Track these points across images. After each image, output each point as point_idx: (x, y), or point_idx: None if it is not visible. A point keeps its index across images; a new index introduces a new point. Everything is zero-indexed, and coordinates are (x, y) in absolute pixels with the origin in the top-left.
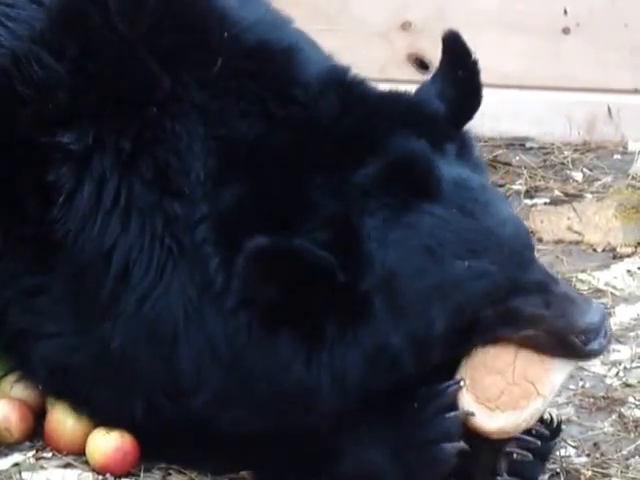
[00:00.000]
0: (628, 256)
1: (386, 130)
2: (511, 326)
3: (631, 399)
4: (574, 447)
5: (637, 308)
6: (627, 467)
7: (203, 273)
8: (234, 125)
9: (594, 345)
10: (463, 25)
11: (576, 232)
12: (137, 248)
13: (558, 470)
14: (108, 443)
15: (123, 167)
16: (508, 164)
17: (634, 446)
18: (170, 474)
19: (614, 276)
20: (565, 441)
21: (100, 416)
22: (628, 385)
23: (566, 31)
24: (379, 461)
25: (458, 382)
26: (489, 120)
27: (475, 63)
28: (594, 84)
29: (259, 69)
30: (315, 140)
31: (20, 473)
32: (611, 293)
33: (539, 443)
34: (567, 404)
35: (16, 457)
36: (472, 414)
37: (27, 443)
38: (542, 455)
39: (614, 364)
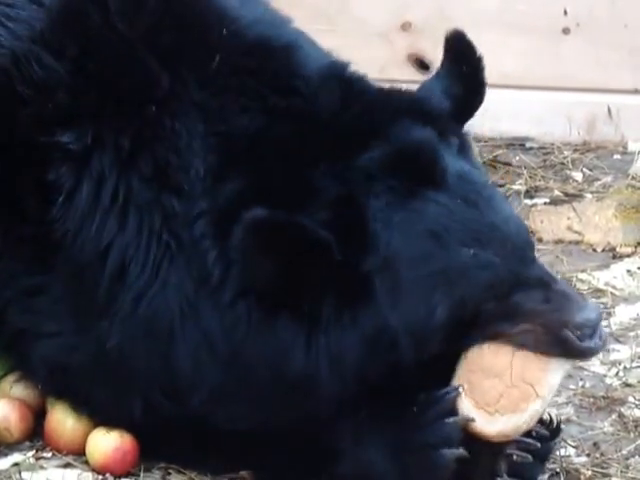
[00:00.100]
0: (628, 256)
1: (390, 119)
2: (510, 321)
3: (631, 399)
4: (574, 447)
5: (637, 308)
6: (627, 467)
7: (200, 268)
8: (234, 121)
9: (589, 343)
10: (463, 25)
11: (576, 232)
12: (134, 246)
13: (558, 470)
14: (108, 443)
15: (122, 165)
16: (508, 164)
17: (634, 446)
18: (170, 474)
19: (614, 276)
20: (565, 441)
21: (99, 416)
22: (628, 385)
23: (566, 31)
24: (379, 464)
25: (457, 388)
26: (489, 120)
27: (480, 59)
28: (594, 84)
29: (259, 65)
30: (317, 130)
31: (20, 473)
32: (611, 293)
33: (539, 445)
34: (567, 404)
35: (16, 457)
36: (472, 419)
37: (27, 443)
38: (542, 456)
39: (614, 364)
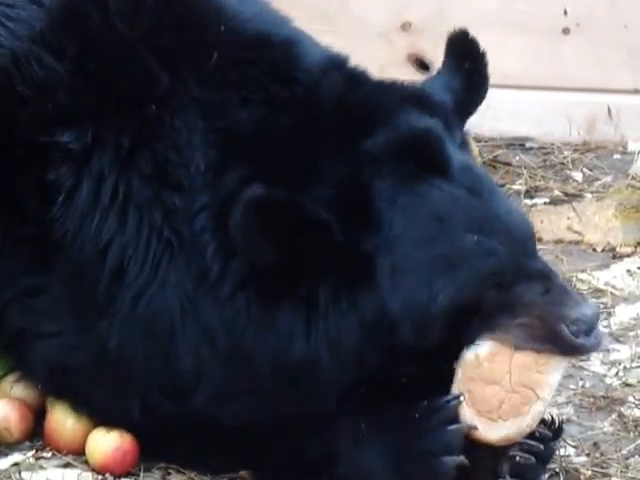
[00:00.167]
0: (628, 256)
1: (395, 107)
2: (509, 313)
3: (631, 399)
4: (574, 447)
5: (637, 308)
6: (627, 467)
7: (200, 264)
8: (235, 114)
9: (583, 340)
10: (463, 25)
11: (576, 232)
12: (133, 245)
13: (557, 470)
14: (108, 443)
15: (122, 164)
16: (508, 164)
17: (634, 446)
18: (170, 474)
19: (614, 276)
20: (565, 441)
21: (99, 416)
22: (628, 385)
23: (566, 31)
24: (378, 467)
25: (458, 397)
26: (489, 120)
27: (483, 55)
28: (594, 84)
29: (258, 58)
30: (319, 118)
31: (20, 473)
32: (611, 293)
33: (542, 447)
34: (567, 404)
35: (16, 457)
36: (474, 427)
37: (27, 443)
38: (544, 457)
39: (614, 364)
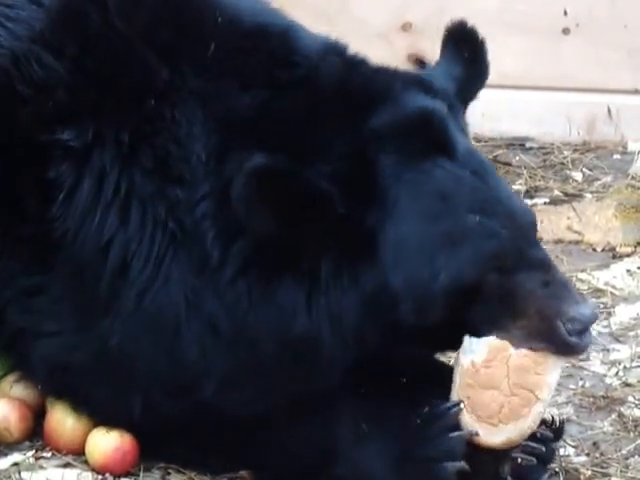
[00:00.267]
0: (628, 256)
1: (399, 89)
2: (509, 304)
3: (631, 398)
4: (573, 446)
5: (637, 308)
6: (626, 466)
7: (201, 252)
8: (235, 101)
9: (578, 339)
10: None
11: (576, 232)
12: (136, 240)
13: (557, 469)
14: (107, 443)
15: (123, 160)
16: (508, 164)
17: (633, 445)
18: (169, 473)
19: (614, 276)
20: (565, 440)
21: (99, 415)
22: (628, 384)
23: (566, 31)
24: (378, 470)
25: (458, 404)
26: (489, 120)
27: (482, 42)
28: (594, 84)
29: (256, 47)
30: (321, 97)
31: (19, 473)
32: (611, 293)
33: (544, 449)
34: (567, 403)
35: (15, 457)
36: (476, 434)
37: (27, 443)
38: (546, 458)
39: (614, 364)
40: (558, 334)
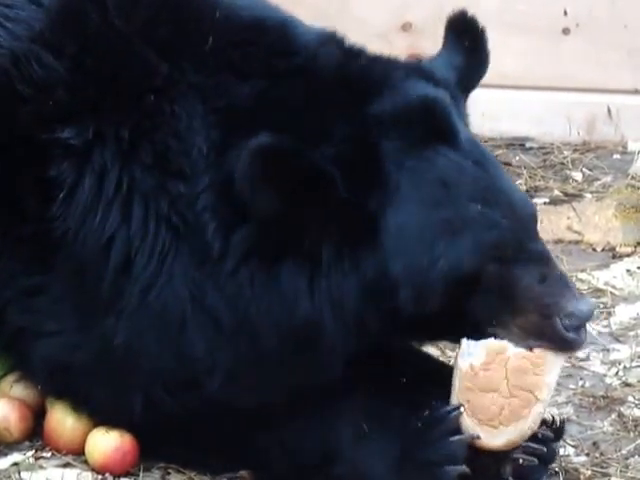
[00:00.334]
0: (628, 255)
1: (401, 76)
2: (506, 297)
3: (630, 398)
4: (573, 446)
5: (637, 307)
6: (626, 466)
7: (202, 244)
8: (235, 92)
9: (575, 335)
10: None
11: (576, 232)
12: (139, 236)
13: (557, 469)
14: (107, 443)
15: (124, 156)
16: (508, 164)
17: (633, 445)
18: (169, 473)
19: (614, 275)
20: (564, 440)
21: (100, 415)
22: (628, 384)
23: (566, 31)
24: (378, 472)
25: (458, 408)
26: (489, 120)
27: (483, 31)
28: (594, 84)
29: (255, 39)
30: (321, 84)
31: (19, 473)
32: (611, 292)
33: (545, 449)
34: (567, 403)
35: (15, 457)
36: (477, 437)
37: (26, 443)
38: (547, 458)
39: (614, 363)
40: (555, 330)
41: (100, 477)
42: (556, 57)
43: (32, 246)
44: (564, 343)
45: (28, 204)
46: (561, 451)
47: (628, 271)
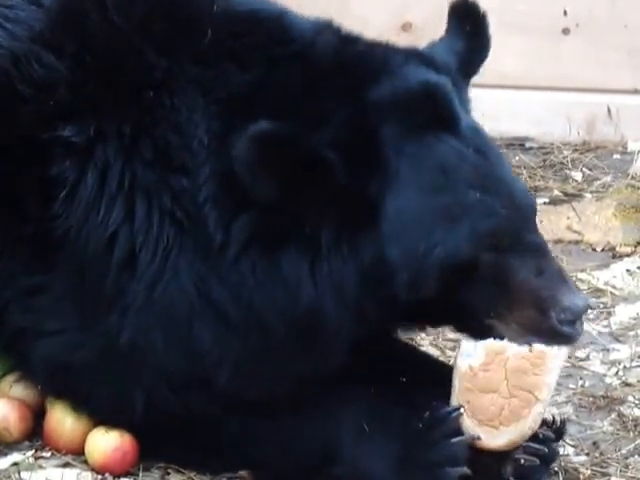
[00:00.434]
0: (627, 255)
1: (400, 61)
2: (502, 288)
3: (630, 398)
4: (573, 446)
5: (636, 307)
6: (626, 466)
7: (205, 236)
8: (235, 81)
9: (570, 329)
10: None
11: (576, 232)
12: (143, 232)
13: (557, 469)
14: (107, 443)
15: (126, 152)
16: None
17: (633, 445)
18: (169, 473)
19: (614, 275)
20: (564, 440)
21: (100, 414)
22: (627, 384)
23: (566, 31)
24: (379, 471)
25: (458, 409)
26: (489, 120)
27: (484, 16)
28: (594, 84)
29: (252, 30)
30: (319, 70)
31: (19, 472)
32: (610, 292)
33: (546, 450)
34: (566, 403)
35: (15, 457)
36: (478, 438)
37: (26, 443)
38: (548, 458)
39: (613, 363)
40: (550, 324)
41: (100, 477)
42: (556, 57)
43: (33, 245)
44: (559, 337)
45: (29, 204)
46: (561, 451)
47: (628, 271)
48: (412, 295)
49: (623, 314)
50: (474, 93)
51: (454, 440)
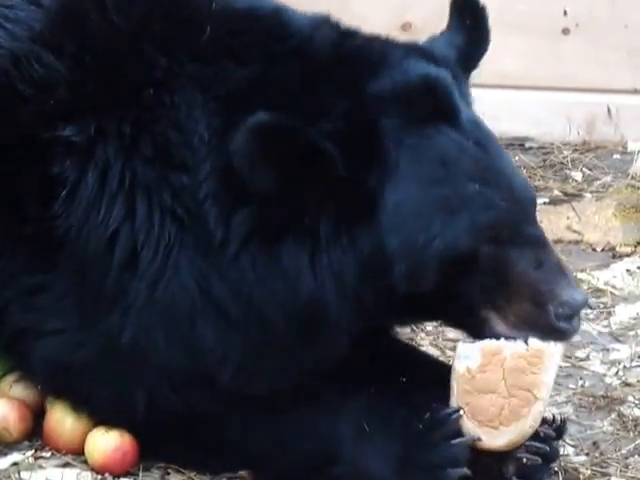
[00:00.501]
0: (627, 255)
1: (400, 55)
2: (501, 281)
3: (630, 398)
4: (573, 446)
5: (636, 307)
6: (626, 466)
7: (206, 233)
8: (234, 77)
9: (567, 324)
10: None
11: (575, 232)
12: (144, 230)
13: (557, 469)
14: (107, 442)
15: (126, 151)
16: None
17: (633, 445)
18: (169, 473)
19: (613, 275)
20: (564, 440)
21: (101, 414)
22: (627, 384)
23: (566, 32)
24: (380, 471)
25: (458, 410)
26: (489, 120)
27: (483, 9)
28: (594, 84)
29: (250, 27)
30: (318, 64)
31: (19, 472)
32: (610, 292)
33: (548, 449)
34: (566, 403)
35: (15, 457)
36: (479, 439)
37: (26, 442)
38: (550, 457)
39: (613, 363)
40: (548, 318)
41: (100, 477)
42: (556, 57)
43: (34, 245)
44: (555, 332)
45: (29, 203)
46: (561, 451)
47: (628, 271)
48: (411, 287)
49: (623, 314)
50: (474, 93)
51: (454, 441)
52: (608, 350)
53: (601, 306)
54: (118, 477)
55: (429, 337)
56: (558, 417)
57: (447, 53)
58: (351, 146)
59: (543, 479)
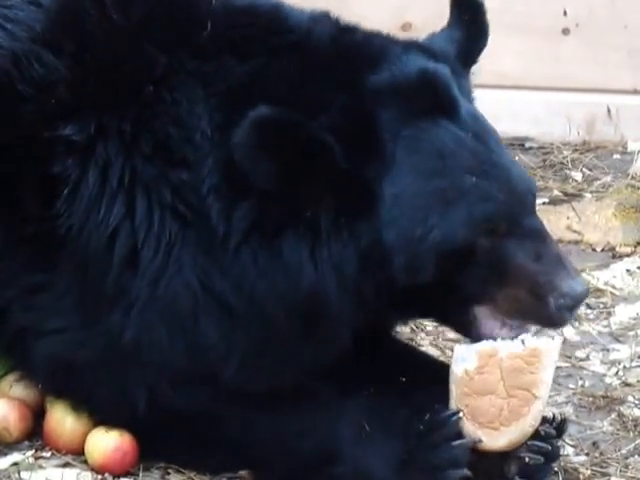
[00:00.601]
0: (627, 255)
1: (399, 50)
2: (499, 273)
3: (630, 398)
4: (573, 446)
5: (636, 307)
6: (626, 466)
7: (208, 229)
8: (234, 72)
9: (565, 315)
10: None
11: (575, 232)
12: (144, 227)
13: (557, 469)
14: (107, 442)
15: (127, 149)
16: None
17: (633, 445)
18: (169, 473)
19: (613, 275)
20: (564, 440)
21: (101, 413)
22: (627, 384)
23: (566, 32)
24: (380, 471)
25: (457, 413)
26: (489, 120)
27: (481, 4)
28: (593, 84)
29: (250, 23)
30: (317, 57)
31: (19, 472)
32: (610, 292)
33: (550, 448)
34: (566, 403)
35: (15, 456)
36: (480, 441)
37: (26, 442)
38: (551, 456)
39: (613, 363)
40: (547, 309)
41: (100, 477)
42: (556, 57)
43: (35, 244)
44: (552, 321)
45: (30, 203)
46: (560, 451)
47: (628, 271)
48: (410, 279)
49: (623, 314)
50: (474, 93)
51: (455, 443)
52: (608, 350)
53: (601, 306)
54: (118, 477)
55: (429, 337)
56: (558, 416)
57: (446, 48)
58: (350, 140)
59: (545, 478)
